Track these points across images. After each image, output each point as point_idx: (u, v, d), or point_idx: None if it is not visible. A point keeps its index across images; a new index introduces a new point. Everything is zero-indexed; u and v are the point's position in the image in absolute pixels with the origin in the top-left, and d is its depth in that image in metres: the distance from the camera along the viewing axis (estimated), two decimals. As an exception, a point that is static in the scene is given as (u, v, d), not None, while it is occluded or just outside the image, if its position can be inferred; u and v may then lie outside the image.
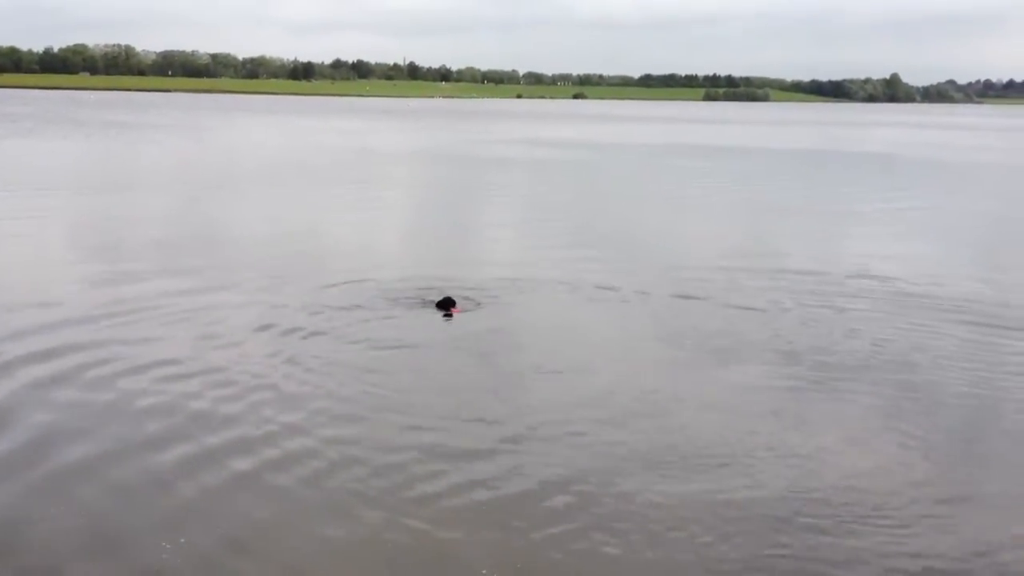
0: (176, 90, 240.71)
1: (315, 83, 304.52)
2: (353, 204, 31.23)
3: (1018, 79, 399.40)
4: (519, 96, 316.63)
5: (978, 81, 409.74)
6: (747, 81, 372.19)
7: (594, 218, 29.32)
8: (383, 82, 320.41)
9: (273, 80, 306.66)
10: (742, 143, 76.98)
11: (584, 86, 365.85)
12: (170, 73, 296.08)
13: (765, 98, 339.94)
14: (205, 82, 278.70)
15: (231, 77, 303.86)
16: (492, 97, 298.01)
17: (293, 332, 13.95)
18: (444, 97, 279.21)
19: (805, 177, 47.69)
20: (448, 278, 17.97)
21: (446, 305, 15.39)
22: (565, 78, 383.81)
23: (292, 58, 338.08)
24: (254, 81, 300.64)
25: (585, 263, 20.40)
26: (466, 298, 16.18)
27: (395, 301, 16.07)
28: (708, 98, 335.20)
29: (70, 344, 12.95)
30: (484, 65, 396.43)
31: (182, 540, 7.76)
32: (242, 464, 9.23)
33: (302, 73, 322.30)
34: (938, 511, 8.64)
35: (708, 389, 12.10)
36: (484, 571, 7.33)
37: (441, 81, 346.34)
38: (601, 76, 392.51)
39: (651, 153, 62.76)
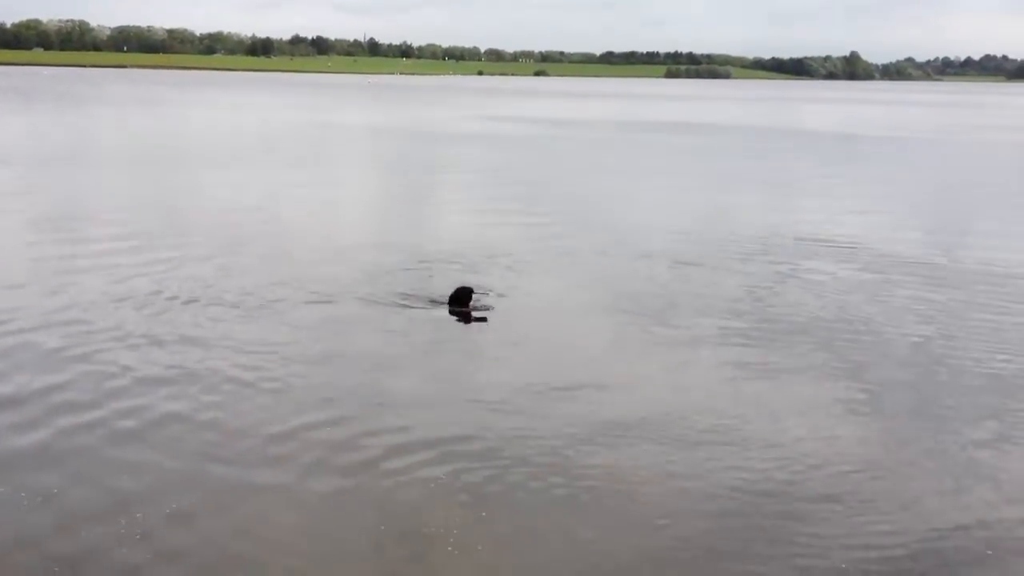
0: (132, 66, 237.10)
1: (274, 59, 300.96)
2: (316, 180, 31.17)
3: (976, 57, 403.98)
4: (480, 73, 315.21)
5: (937, 59, 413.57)
6: (709, 59, 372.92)
7: (555, 189, 29.54)
8: (343, 58, 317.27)
9: (231, 56, 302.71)
10: (702, 119, 77.48)
11: (546, 63, 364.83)
12: (125, 49, 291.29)
13: (727, 75, 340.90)
14: (161, 58, 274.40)
15: (188, 53, 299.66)
16: (453, 74, 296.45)
17: (238, 307, 14.09)
18: (405, 74, 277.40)
19: (763, 152, 48.17)
20: (417, 247, 18.15)
21: (462, 300, 14.04)
22: (527, 55, 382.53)
23: (250, 34, 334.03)
24: (212, 57, 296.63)
25: (544, 229, 20.68)
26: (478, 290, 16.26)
27: (366, 276, 16.21)
28: (670, 75, 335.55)
29: None
30: (445, 42, 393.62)
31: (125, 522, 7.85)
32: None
33: (260, 49, 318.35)
34: (887, 482, 8.76)
35: (657, 354, 12.40)
36: (449, 547, 7.41)
37: (402, 58, 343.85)
38: (562, 53, 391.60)
39: (615, 128, 63.03)
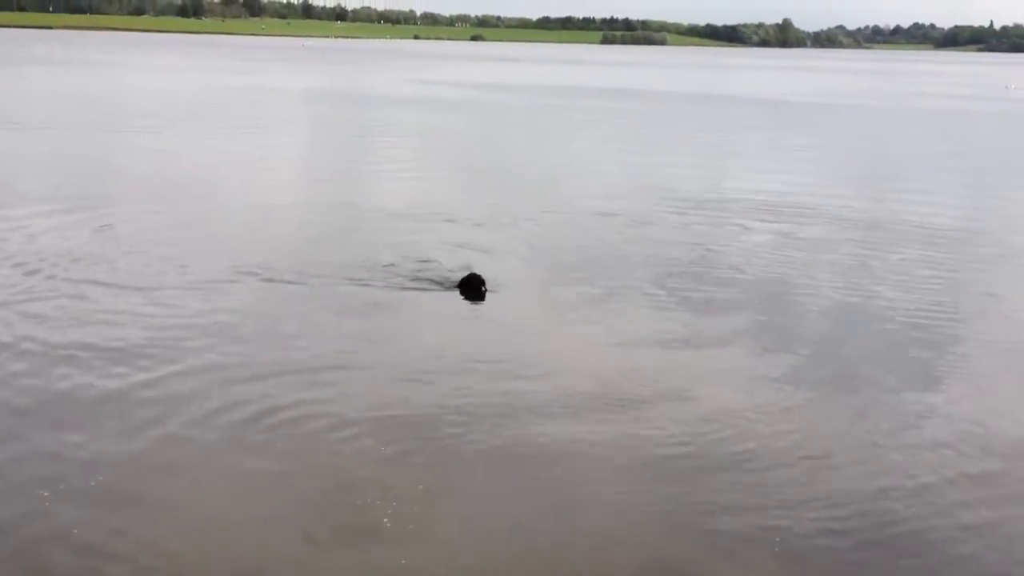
0: (59, 27, 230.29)
1: (205, 21, 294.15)
2: (250, 145, 31.04)
3: (905, 24, 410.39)
4: (416, 37, 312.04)
5: (867, 26, 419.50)
6: (644, 24, 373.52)
7: (493, 153, 29.79)
8: (276, 21, 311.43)
9: (161, 18, 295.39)
10: (639, 86, 77.96)
11: (482, 28, 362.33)
12: (51, 9, 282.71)
13: (663, 42, 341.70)
14: (89, 18, 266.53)
15: (116, 14, 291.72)
16: (390, 38, 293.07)
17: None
18: (340, 37, 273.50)
19: (698, 118, 48.84)
20: (357, 212, 18.35)
21: (474, 286, 13.41)
22: (463, 19, 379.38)
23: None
24: (141, 18, 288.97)
25: (479, 192, 20.99)
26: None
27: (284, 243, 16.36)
28: (606, 41, 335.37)
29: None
30: (380, 5, 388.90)
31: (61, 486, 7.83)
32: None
33: (191, 10, 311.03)
34: (809, 445, 9.03)
35: (587, 321, 12.80)
36: (386, 519, 7.50)
37: (337, 21, 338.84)
38: (499, 18, 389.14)
39: (552, 94, 63.21)
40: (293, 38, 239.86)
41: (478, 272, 13.55)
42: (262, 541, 7.18)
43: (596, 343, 11.75)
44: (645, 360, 11.17)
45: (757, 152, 33.41)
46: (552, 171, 26.79)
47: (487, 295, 13.11)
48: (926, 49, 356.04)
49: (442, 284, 13.59)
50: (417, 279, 13.85)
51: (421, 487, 7.92)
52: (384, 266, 14.40)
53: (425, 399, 9.69)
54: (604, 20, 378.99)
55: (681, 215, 19.71)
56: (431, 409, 9.43)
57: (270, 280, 13.59)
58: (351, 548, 7.13)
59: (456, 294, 13.26)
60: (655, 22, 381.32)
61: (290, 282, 13.55)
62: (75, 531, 7.13)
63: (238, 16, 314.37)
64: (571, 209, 20.01)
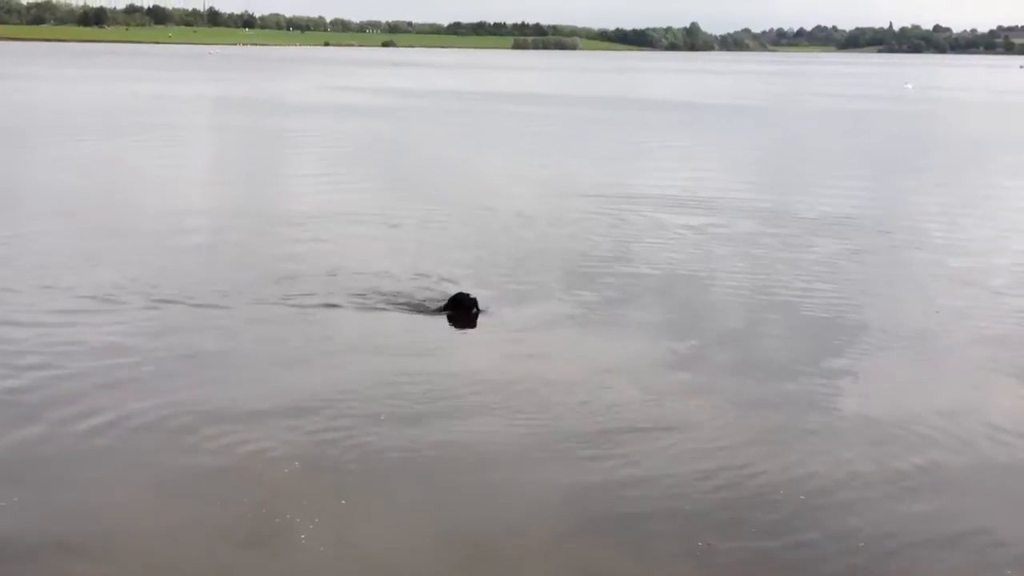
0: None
1: (109, 30, 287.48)
2: (155, 155, 30.45)
3: (808, 27, 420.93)
4: (327, 44, 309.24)
5: (771, 30, 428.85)
6: (555, 29, 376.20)
7: (407, 158, 29.74)
8: (182, 28, 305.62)
9: (62, 27, 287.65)
10: (552, 91, 78.56)
11: (393, 34, 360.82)
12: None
13: (574, 47, 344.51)
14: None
15: (14, 23, 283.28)
16: (300, 44, 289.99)
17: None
18: (248, 44, 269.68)
19: (610, 121, 49.37)
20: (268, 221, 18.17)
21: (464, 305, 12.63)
22: (374, 25, 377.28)
23: (81, 3, 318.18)
24: (41, 28, 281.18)
25: (394, 196, 20.98)
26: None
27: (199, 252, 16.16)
28: (517, 46, 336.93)
29: None
30: (289, 11, 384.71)
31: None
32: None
33: (93, 19, 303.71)
34: (710, 432, 9.30)
35: (496, 316, 12.80)
36: (303, 531, 7.62)
37: (244, 28, 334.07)
38: (410, 23, 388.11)
39: (465, 99, 63.30)
40: (200, 46, 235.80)
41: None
42: (178, 551, 7.11)
43: (508, 340, 11.82)
44: (555, 355, 11.28)
45: (670, 152, 33.96)
46: (468, 174, 26.95)
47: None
48: (829, 51, 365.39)
49: (364, 296, 13.37)
50: (330, 292, 13.61)
51: (343, 501, 7.83)
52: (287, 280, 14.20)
53: (335, 405, 9.61)
54: (515, 25, 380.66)
55: (595, 214, 20.11)
56: (348, 416, 9.35)
57: (167, 300, 13.03)
58: (266, 557, 7.07)
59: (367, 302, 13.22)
60: (566, 27, 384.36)
61: (189, 300, 13.07)
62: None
63: (142, 24, 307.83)
64: (485, 210, 20.24)
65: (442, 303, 12.81)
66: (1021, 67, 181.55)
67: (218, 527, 7.42)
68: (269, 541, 7.24)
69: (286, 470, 8.25)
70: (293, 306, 12.84)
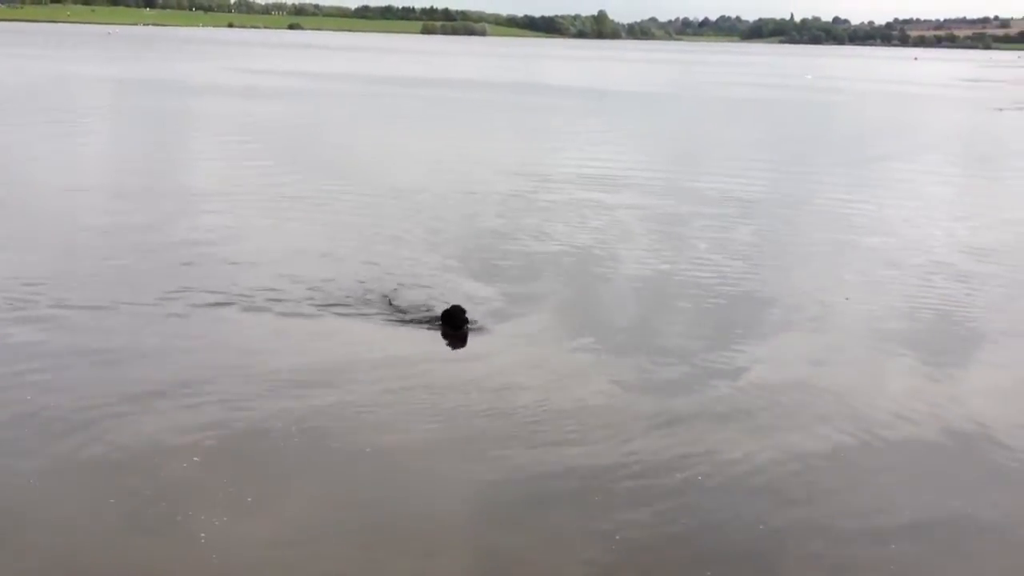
0: None
1: (3, 8, 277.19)
2: (53, 137, 29.48)
3: (712, 17, 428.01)
4: (231, 25, 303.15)
5: (678, 19, 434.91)
6: (464, 15, 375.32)
7: (315, 141, 29.38)
8: (81, 7, 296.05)
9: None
10: (461, 76, 78.34)
11: (300, 16, 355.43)
12: None
13: (483, 32, 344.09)
14: None
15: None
16: (203, 26, 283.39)
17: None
18: (150, 24, 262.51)
19: (519, 106, 49.49)
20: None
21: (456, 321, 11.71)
22: (279, 7, 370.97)
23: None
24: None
25: (299, 179, 20.75)
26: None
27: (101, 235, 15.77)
28: (426, 31, 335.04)
29: None
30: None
31: None
32: None
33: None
34: (609, 417, 9.40)
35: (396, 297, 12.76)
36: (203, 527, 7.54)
37: (146, 7, 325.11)
38: (317, 6, 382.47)
39: (374, 83, 62.70)
40: (100, 26, 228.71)
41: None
42: (75, 542, 7.01)
43: (413, 330, 11.68)
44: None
45: (580, 137, 34.20)
46: (376, 157, 26.80)
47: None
48: (733, 41, 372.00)
49: (268, 286, 13.21)
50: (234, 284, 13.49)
51: (244, 492, 7.73)
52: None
53: (236, 394, 9.53)
54: (424, 10, 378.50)
55: (500, 194, 20.37)
56: (250, 408, 9.22)
57: (66, 289, 12.92)
58: (164, 547, 6.98)
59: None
60: (474, 12, 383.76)
61: (89, 288, 12.98)
62: None
63: (39, 3, 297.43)
64: (389, 192, 20.18)
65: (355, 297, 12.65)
66: (916, 59, 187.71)
67: (116, 518, 7.29)
68: (167, 531, 7.13)
69: (185, 464, 8.11)
70: (193, 299, 12.49)
